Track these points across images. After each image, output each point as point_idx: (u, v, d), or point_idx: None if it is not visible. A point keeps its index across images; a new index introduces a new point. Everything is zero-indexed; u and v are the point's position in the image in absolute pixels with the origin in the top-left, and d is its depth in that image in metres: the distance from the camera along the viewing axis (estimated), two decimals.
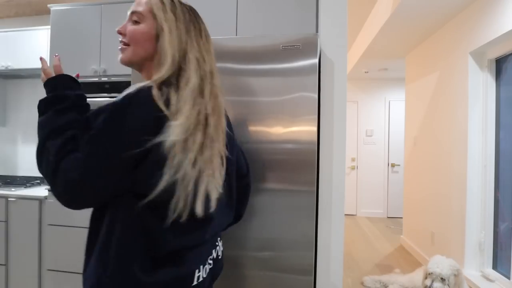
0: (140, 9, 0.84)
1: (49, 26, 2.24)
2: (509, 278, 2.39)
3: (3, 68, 2.57)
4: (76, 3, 2.21)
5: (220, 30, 1.89)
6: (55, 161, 0.72)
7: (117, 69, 2.09)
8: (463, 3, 2.70)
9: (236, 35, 1.91)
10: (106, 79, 2.10)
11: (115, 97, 2.36)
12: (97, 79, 2.12)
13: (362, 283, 2.90)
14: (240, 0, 1.94)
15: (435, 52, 3.38)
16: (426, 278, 2.26)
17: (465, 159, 2.74)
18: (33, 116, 2.87)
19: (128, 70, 1.79)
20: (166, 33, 0.80)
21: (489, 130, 2.67)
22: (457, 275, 2.14)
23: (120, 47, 0.87)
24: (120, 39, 0.87)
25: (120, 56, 0.87)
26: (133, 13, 0.85)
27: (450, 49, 3.07)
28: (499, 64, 2.66)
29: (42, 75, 0.86)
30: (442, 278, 2.14)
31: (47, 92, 0.82)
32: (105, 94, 2.06)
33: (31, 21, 2.92)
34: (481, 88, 2.71)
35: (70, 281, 2.06)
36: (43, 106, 0.80)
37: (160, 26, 0.81)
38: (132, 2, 0.86)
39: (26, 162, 2.91)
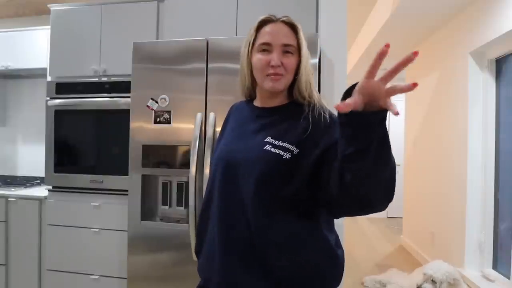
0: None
1: (49, 26, 2.24)
2: (509, 278, 2.39)
3: (3, 68, 2.57)
4: (76, 3, 2.20)
5: (220, 30, 1.89)
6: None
7: (117, 69, 2.09)
8: (463, 3, 2.70)
9: (236, 35, 1.90)
10: (106, 79, 2.10)
11: (115, 97, 2.30)
12: (97, 79, 2.12)
13: (362, 283, 2.90)
14: (240, 0, 1.94)
15: (435, 52, 3.38)
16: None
17: (465, 159, 2.74)
18: (33, 116, 2.86)
19: (128, 70, 1.78)
20: None
21: (489, 130, 2.67)
22: (453, 284, 2.10)
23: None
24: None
25: None
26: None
27: (450, 49, 3.07)
28: (499, 64, 2.65)
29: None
30: (433, 281, 2.13)
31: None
32: (105, 94, 2.06)
33: (31, 21, 2.92)
34: (481, 88, 2.71)
35: (70, 281, 2.05)
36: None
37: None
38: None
39: (26, 162, 2.91)
